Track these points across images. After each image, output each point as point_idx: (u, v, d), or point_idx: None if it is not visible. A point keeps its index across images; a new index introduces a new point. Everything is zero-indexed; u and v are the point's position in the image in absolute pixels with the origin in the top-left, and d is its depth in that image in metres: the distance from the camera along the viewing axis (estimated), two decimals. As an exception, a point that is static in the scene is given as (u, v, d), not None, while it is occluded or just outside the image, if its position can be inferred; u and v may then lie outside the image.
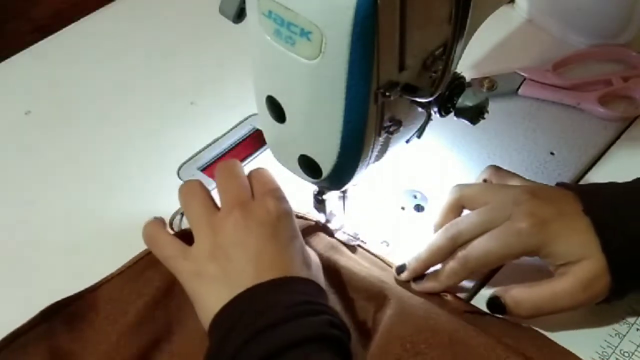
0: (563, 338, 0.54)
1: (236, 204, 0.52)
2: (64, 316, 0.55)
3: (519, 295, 0.53)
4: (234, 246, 0.50)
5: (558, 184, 0.56)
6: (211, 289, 0.50)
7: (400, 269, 0.57)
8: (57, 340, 0.54)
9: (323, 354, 0.46)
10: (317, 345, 0.46)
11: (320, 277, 0.53)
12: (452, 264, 0.54)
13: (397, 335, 0.52)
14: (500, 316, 0.55)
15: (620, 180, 0.65)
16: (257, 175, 0.55)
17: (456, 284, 0.56)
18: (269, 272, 0.49)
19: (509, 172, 0.59)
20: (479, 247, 0.53)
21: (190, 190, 0.55)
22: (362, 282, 0.56)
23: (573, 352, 0.53)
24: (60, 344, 0.53)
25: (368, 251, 0.60)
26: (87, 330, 0.54)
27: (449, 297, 0.57)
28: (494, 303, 0.54)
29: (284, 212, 0.52)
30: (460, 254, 0.54)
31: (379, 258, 0.60)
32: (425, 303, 0.54)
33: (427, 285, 0.56)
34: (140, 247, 0.60)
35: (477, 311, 0.55)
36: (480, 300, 0.56)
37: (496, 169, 0.60)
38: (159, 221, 0.56)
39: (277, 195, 0.53)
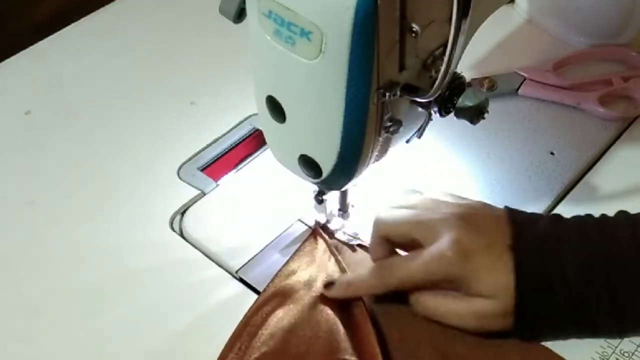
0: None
1: None
2: None
3: (422, 296, 0.53)
4: None
5: (506, 208, 0.54)
6: None
7: (329, 284, 0.56)
8: None
9: None
10: None
11: None
12: (372, 279, 0.54)
13: None
14: None
15: (619, 181, 0.66)
16: None
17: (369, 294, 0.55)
18: None
19: (445, 192, 0.57)
20: (401, 267, 0.52)
21: None
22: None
23: (573, 351, 0.53)
24: None
25: (368, 250, 0.60)
26: None
27: (360, 304, 0.55)
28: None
29: None
30: (382, 270, 0.53)
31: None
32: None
33: (338, 292, 0.55)
34: (137, 246, 0.60)
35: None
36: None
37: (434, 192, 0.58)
38: None
39: None
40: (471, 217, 0.53)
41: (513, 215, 0.53)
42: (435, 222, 0.52)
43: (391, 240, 0.55)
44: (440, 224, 0.52)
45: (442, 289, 0.52)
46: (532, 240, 0.51)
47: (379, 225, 0.55)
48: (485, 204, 0.56)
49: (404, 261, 0.53)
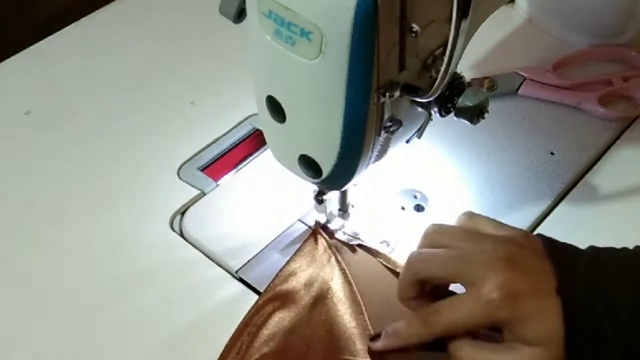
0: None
1: None
2: None
3: (464, 347, 0.49)
4: None
5: (539, 236, 0.51)
6: None
7: (376, 337, 0.53)
8: None
9: None
10: None
11: None
12: (418, 327, 0.51)
13: None
14: None
15: (619, 181, 0.66)
16: None
17: (416, 345, 0.52)
18: None
19: (481, 218, 0.53)
20: (446, 313, 0.49)
21: None
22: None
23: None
24: None
25: (368, 250, 0.60)
26: None
27: (359, 304, 0.56)
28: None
29: None
30: (428, 318, 0.50)
31: (378, 255, 0.60)
32: None
33: (385, 343, 0.52)
34: (137, 246, 0.60)
35: None
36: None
37: (469, 217, 0.54)
38: None
39: None
40: (515, 256, 0.49)
41: (552, 250, 0.50)
42: (477, 264, 0.49)
43: (426, 282, 0.52)
44: (483, 265, 0.49)
45: (484, 334, 0.50)
46: (577, 283, 0.49)
47: (414, 268, 0.52)
48: (525, 234, 0.53)
49: (449, 307, 0.49)
